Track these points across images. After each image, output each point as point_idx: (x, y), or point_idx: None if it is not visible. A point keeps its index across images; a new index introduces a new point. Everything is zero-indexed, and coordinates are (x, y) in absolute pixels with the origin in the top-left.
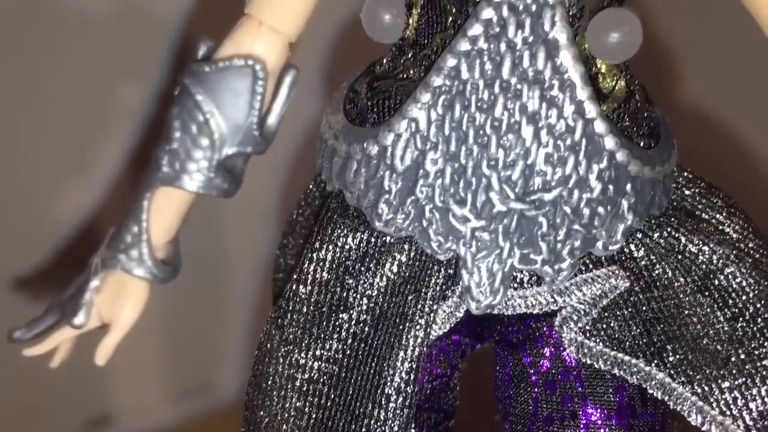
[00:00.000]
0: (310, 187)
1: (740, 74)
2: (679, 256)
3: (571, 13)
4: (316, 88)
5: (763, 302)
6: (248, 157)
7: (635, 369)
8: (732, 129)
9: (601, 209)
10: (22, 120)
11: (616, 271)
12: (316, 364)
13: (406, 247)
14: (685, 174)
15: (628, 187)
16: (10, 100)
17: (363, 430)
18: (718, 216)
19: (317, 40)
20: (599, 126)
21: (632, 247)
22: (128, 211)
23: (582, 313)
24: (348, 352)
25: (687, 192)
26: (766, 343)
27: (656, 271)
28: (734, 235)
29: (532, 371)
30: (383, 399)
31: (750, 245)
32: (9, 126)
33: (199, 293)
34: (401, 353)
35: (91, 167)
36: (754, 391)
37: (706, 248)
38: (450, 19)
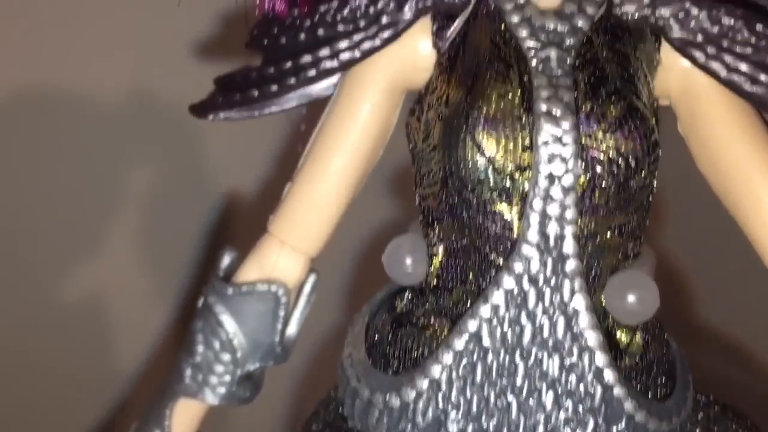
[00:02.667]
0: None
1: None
2: None
3: (589, 279)
4: (335, 290)
5: None
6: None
7: None
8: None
9: None
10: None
11: None
12: None
13: None
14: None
15: None
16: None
17: None
18: None
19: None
20: (618, 391)
21: None
22: (149, 414)
23: None
24: None
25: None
26: None
27: None
28: None
29: None
30: None
31: None
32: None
33: None
34: None
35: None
36: None
37: None
38: (471, 275)
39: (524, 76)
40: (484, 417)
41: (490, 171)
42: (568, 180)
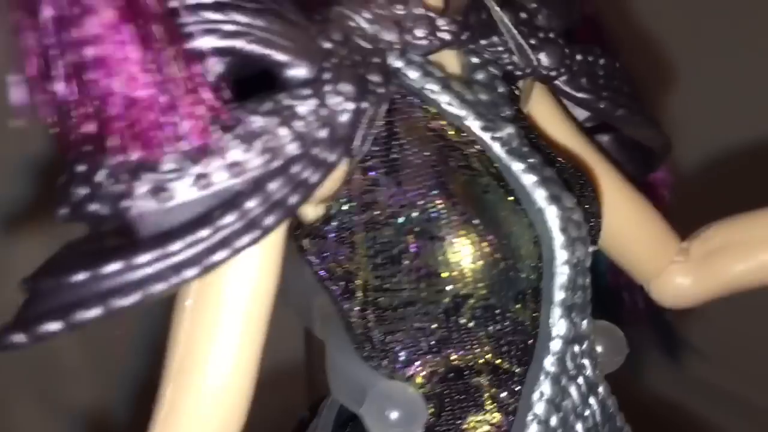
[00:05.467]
0: None
1: None
2: None
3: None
4: None
5: None
6: None
7: None
8: None
9: None
10: None
11: None
12: None
13: None
14: None
15: None
16: None
17: None
18: None
19: None
20: None
21: None
22: None
23: None
24: None
25: None
26: None
27: None
28: None
29: None
30: None
31: None
32: None
33: None
34: None
35: None
36: None
37: None
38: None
39: (492, 162)
40: None
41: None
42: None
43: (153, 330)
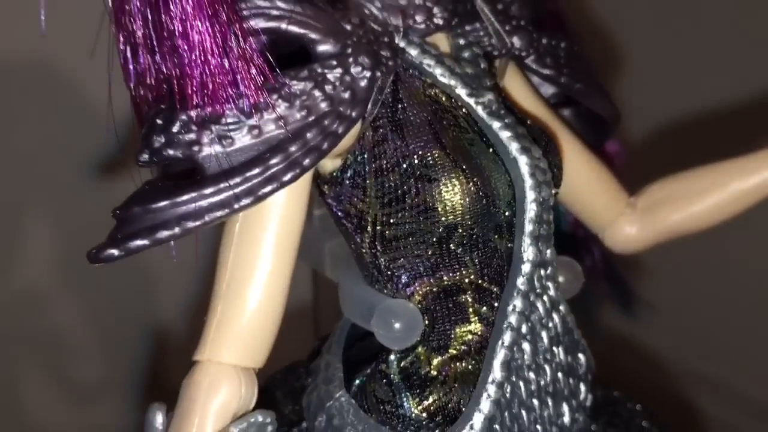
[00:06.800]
0: None
1: None
2: None
3: None
4: None
5: None
6: None
7: None
8: None
9: None
10: None
11: None
12: None
13: None
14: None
15: None
16: None
17: None
18: None
19: None
20: None
21: None
22: None
23: None
24: None
25: None
26: None
27: None
28: None
29: None
30: None
31: None
32: None
33: None
34: None
35: None
36: None
37: None
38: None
39: (476, 122)
40: None
41: (491, 209)
42: (551, 198)
43: (157, 312)
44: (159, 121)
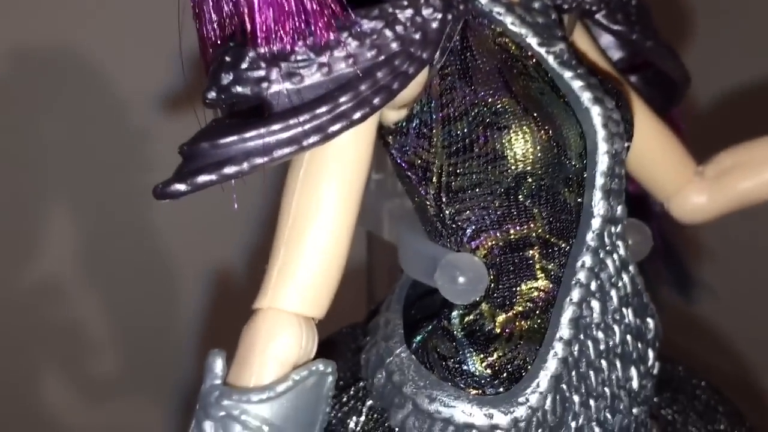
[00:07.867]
0: None
1: None
2: None
3: None
4: None
5: None
6: None
7: None
8: None
9: None
10: None
11: None
12: None
13: None
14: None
15: None
16: None
17: None
18: None
19: None
20: None
21: None
22: None
23: None
24: None
25: None
26: None
27: None
28: None
29: None
30: None
31: None
32: None
33: None
34: None
35: None
36: None
37: None
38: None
39: (547, 72)
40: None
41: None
42: (624, 151)
43: (174, 306)
44: (228, 59)
